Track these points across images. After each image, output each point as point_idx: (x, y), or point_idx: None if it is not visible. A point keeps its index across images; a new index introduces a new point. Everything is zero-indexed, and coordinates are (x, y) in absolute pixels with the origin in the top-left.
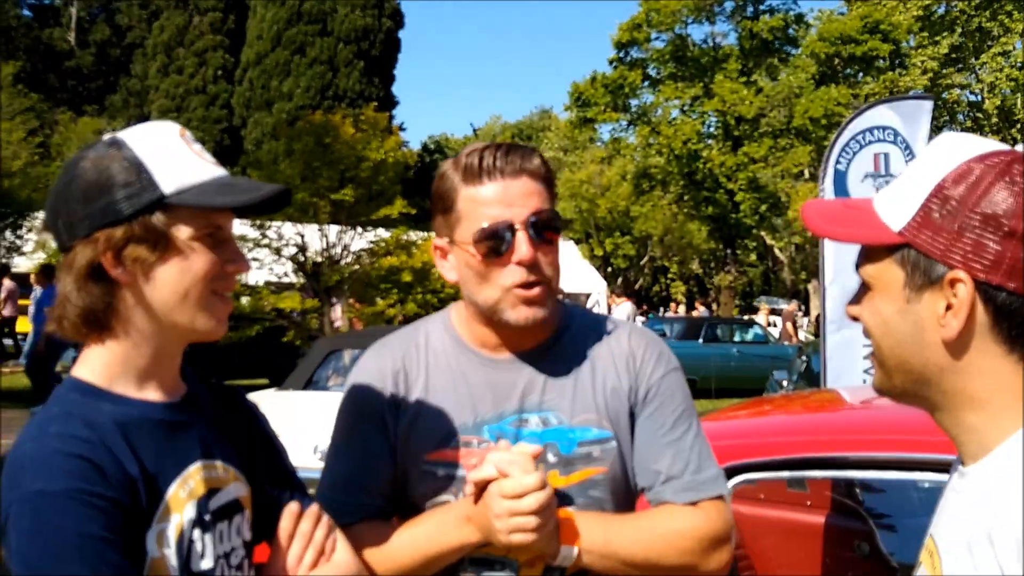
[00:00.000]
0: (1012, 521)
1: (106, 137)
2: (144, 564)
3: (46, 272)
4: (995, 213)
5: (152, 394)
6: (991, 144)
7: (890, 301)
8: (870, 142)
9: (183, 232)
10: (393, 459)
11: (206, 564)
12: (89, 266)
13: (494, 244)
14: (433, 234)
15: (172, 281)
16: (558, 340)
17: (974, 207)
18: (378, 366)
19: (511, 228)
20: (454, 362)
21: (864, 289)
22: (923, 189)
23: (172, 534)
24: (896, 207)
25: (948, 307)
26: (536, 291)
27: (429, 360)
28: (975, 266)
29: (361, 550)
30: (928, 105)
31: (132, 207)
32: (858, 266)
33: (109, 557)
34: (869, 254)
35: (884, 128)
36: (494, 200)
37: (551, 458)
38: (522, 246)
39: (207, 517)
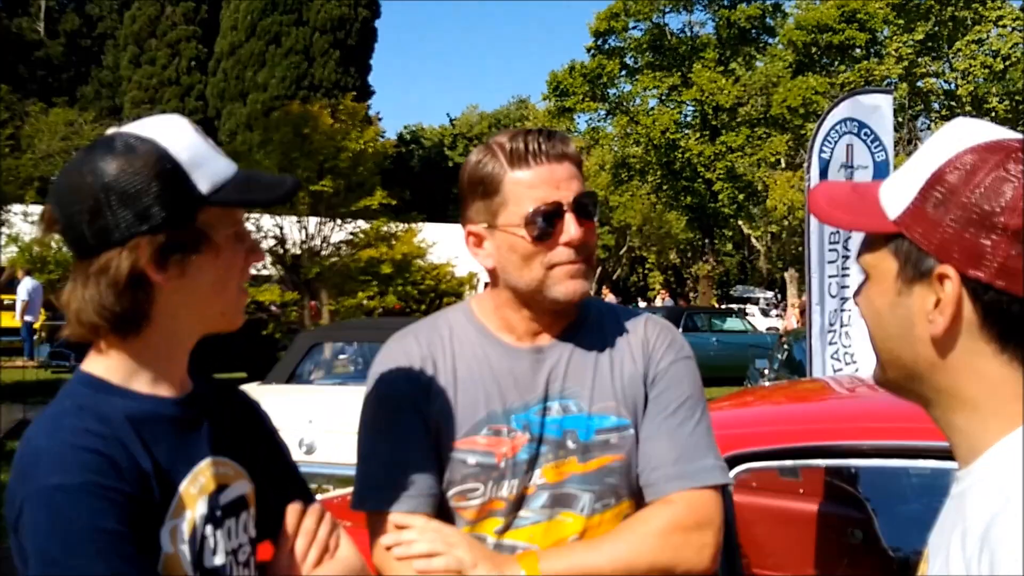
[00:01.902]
0: (983, 534)
1: (119, 133)
2: (158, 560)
3: None
4: (987, 206)
5: (163, 390)
6: (1001, 132)
7: (883, 293)
8: (843, 133)
9: (219, 230)
10: (429, 444)
11: (218, 560)
12: (131, 274)
13: (544, 225)
14: (413, 225)
15: (211, 279)
16: (579, 327)
17: (966, 199)
18: (406, 352)
19: (560, 209)
20: (480, 351)
21: (864, 279)
22: (921, 177)
23: (185, 530)
24: (896, 194)
25: (937, 302)
26: (581, 265)
27: (455, 348)
28: (962, 261)
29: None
30: (888, 98)
31: (175, 210)
32: (859, 254)
33: (124, 551)
34: (869, 242)
35: (851, 120)
36: (542, 183)
37: (570, 445)
38: (570, 227)
39: (218, 513)
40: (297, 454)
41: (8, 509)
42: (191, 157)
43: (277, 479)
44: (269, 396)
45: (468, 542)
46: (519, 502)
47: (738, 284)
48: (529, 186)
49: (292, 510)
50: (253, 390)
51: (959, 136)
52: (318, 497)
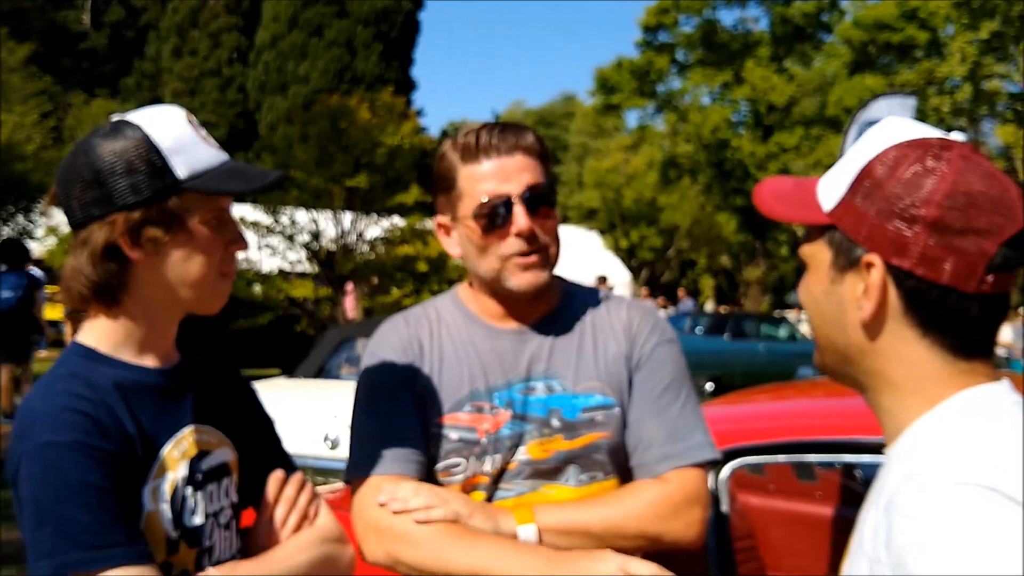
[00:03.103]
0: (887, 502)
1: (115, 119)
2: (140, 517)
3: None
4: (908, 199)
5: (149, 361)
6: (926, 131)
7: (819, 281)
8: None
9: (194, 215)
10: (419, 418)
11: (197, 520)
12: (106, 245)
13: (493, 218)
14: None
15: (183, 261)
16: (562, 312)
17: (890, 191)
18: (396, 335)
19: (508, 202)
20: (464, 333)
21: (805, 269)
22: (852, 172)
23: (166, 490)
24: (830, 188)
25: (865, 289)
26: (534, 258)
27: (441, 331)
28: (886, 250)
29: (403, 521)
30: (911, 101)
31: (149, 191)
32: (799, 245)
33: (108, 503)
34: (808, 234)
35: (875, 122)
36: (491, 176)
37: (555, 423)
38: (520, 218)
39: (199, 477)
40: (322, 448)
41: (8, 464)
42: (173, 144)
43: (261, 450)
44: (297, 390)
45: (462, 496)
46: (500, 477)
47: (792, 290)
48: (479, 180)
49: (274, 479)
50: (281, 384)
51: (887, 134)
52: (338, 484)
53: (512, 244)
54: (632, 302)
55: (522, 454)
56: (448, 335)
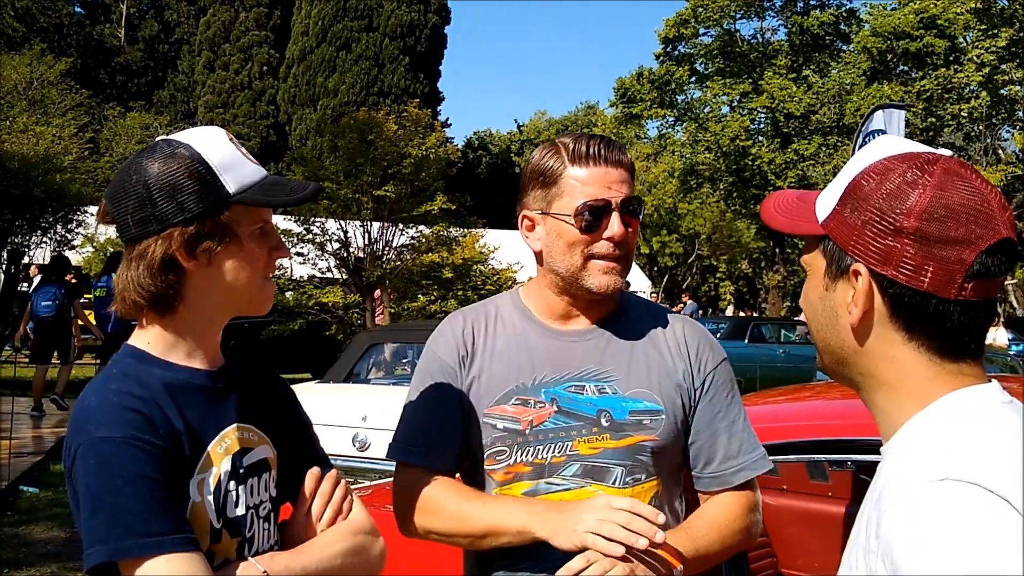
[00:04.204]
0: (878, 495)
1: (163, 139)
2: (187, 507)
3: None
4: (891, 210)
5: (196, 363)
6: (916, 146)
7: (815, 288)
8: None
9: (243, 226)
10: (461, 411)
11: (239, 511)
12: (163, 258)
13: (592, 218)
14: (474, 230)
15: (235, 268)
16: (618, 319)
17: (875, 203)
18: (451, 329)
19: (608, 207)
20: (520, 330)
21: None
22: (843, 185)
23: (211, 483)
24: (825, 201)
25: (854, 295)
26: (617, 263)
27: (497, 326)
28: (871, 259)
29: (429, 497)
30: (901, 113)
31: (203, 206)
32: (800, 255)
33: (158, 494)
34: (807, 244)
35: (876, 132)
36: (595, 181)
37: (604, 423)
38: (615, 224)
39: (241, 471)
40: (351, 449)
41: (64, 457)
42: (221, 161)
43: (298, 448)
44: (326, 393)
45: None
46: (544, 468)
47: None
48: (584, 182)
49: (310, 475)
50: (312, 388)
51: (878, 149)
52: (366, 483)
53: (601, 246)
54: (684, 319)
55: (571, 449)
56: (503, 331)
